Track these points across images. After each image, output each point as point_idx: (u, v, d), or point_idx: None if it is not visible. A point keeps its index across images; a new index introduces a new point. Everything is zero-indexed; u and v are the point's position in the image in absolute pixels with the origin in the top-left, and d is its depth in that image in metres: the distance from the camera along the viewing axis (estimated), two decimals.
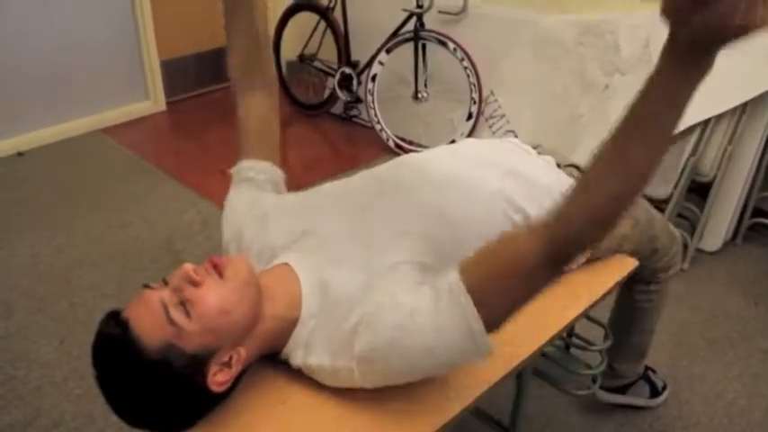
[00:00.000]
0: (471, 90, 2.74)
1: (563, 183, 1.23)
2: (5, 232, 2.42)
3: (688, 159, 2.14)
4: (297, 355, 0.95)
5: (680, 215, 2.26)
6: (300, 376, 0.97)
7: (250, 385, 0.96)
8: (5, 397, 1.70)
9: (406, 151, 2.91)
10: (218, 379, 0.87)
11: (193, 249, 2.32)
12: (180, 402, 0.86)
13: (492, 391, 1.00)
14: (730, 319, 2.00)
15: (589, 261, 1.26)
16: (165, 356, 0.82)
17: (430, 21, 2.83)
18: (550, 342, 1.12)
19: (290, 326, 0.94)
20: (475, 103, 2.75)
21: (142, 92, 3.48)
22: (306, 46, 3.37)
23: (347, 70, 3.17)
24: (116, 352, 0.83)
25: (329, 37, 3.22)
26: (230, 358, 0.87)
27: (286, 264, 0.99)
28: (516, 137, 2.09)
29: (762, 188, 2.28)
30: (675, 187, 2.16)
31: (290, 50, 3.44)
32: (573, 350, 1.68)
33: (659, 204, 2.14)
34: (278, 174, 1.21)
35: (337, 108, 3.42)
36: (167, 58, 3.48)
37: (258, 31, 1.20)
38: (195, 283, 0.85)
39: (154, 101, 3.51)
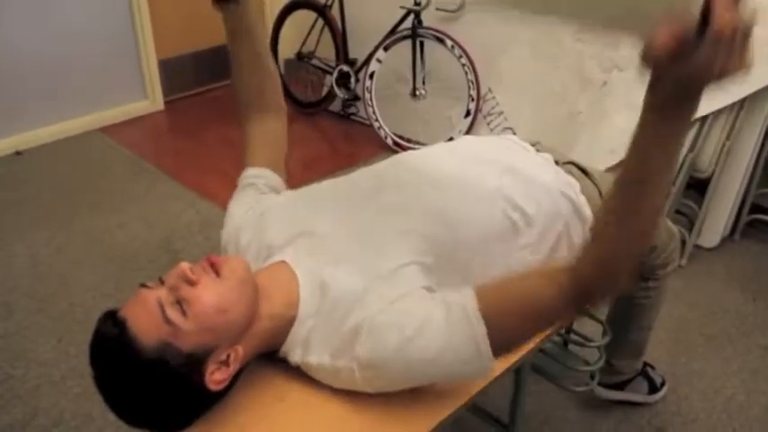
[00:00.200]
0: (469, 87, 2.74)
1: (561, 180, 1.23)
2: (4, 232, 2.42)
3: (686, 155, 2.14)
4: (295, 353, 0.95)
5: (678, 211, 2.26)
6: (299, 374, 0.97)
7: (248, 383, 0.96)
8: (4, 396, 1.70)
9: (405, 149, 2.91)
10: (215, 378, 0.87)
11: (192, 249, 2.32)
12: (177, 401, 0.86)
13: (490, 387, 1.00)
14: (728, 315, 2.00)
15: None
16: (161, 355, 0.82)
17: (428, 18, 2.82)
18: (548, 338, 1.12)
19: (287, 324, 0.94)
20: (473, 100, 2.75)
21: (140, 91, 3.47)
22: (303, 44, 3.36)
23: (345, 68, 3.17)
24: (113, 351, 0.83)
25: (327, 35, 3.21)
26: (227, 357, 0.87)
27: (283, 262, 0.99)
28: (515, 134, 2.09)
29: (760, 184, 2.28)
30: (673, 183, 2.16)
31: (287, 48, 3.44)
32: (571, 346, 1.68)
33: None
34: (278, 181, 1.23)
35: (335, 106, 3.42)
36: (165, 57, 3.48)
37: (264, 66, 1.25)
38: (191, 282, 0.85)
39: (152, 100, 3.51)
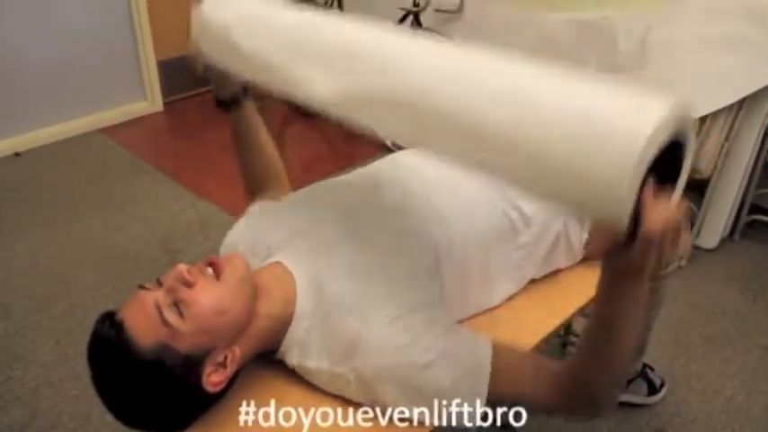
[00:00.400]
0: None
1: None
2: (3, 233, 2.42)
3: None
4: (292, 354, 0.95)
5: None
6: (297, 376, 0.97)
7: (246, 385, 0.96)
8: (3, 397, 1.70)
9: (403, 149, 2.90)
10: (212, 379, 0.87)
11: (192, 250, 2.32)
12: (175, 403, 0.86)
13: None
14: (728, 316, 2.00)
15: (586, 259, 1.25)
16: (159, 357, 0.82)
17: (427, 20, 2.82)
18: (547, 340, 1.12)
19: (284, 324, 0.94)
20: None
21: (140, 92, 3.47)
22: None
23: None
24: (110, 353, 0.83)
25: None
26: (225, 358, 0.87)
27: (280, 262, 0.99)
28: None
29: (759, 185, 2.28)
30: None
31: None
32: (570, 348, 1.68)
33: None
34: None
35: None
36: (164, 58, 3.47)
37: (266, 157, 1.28)
38: (188, 284, 0.85)
39: (151, 101, 3.50)
